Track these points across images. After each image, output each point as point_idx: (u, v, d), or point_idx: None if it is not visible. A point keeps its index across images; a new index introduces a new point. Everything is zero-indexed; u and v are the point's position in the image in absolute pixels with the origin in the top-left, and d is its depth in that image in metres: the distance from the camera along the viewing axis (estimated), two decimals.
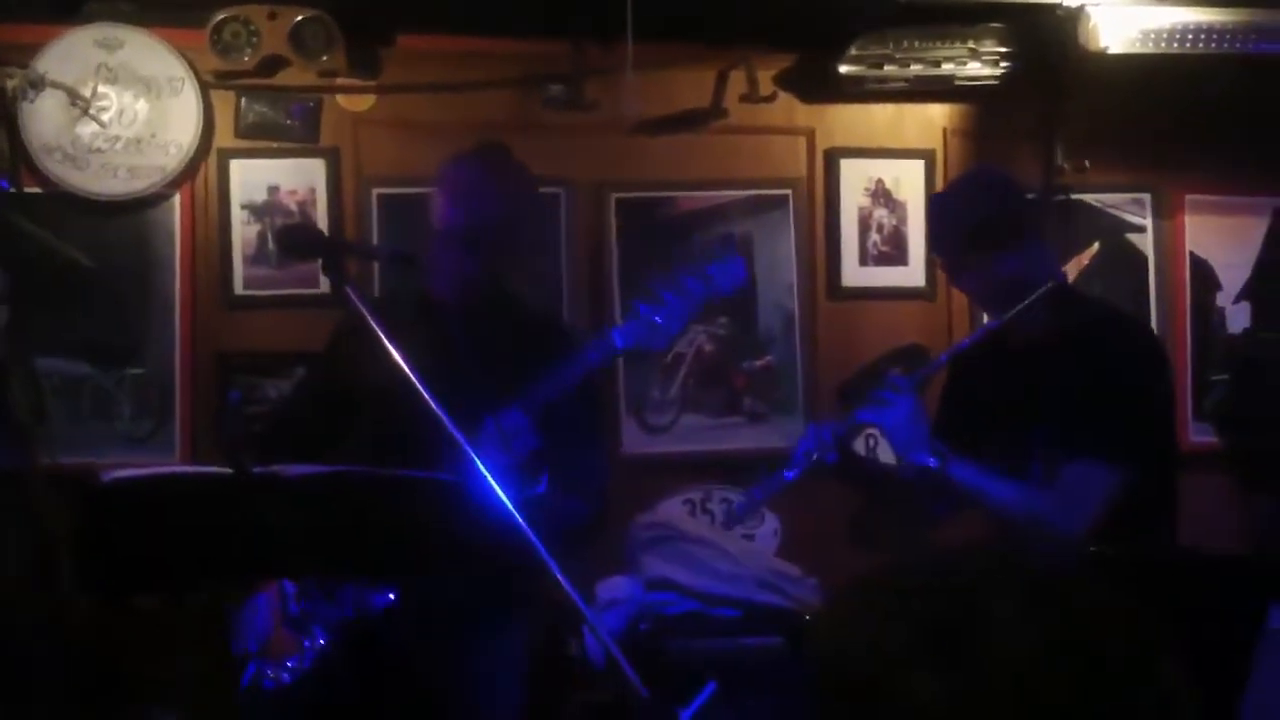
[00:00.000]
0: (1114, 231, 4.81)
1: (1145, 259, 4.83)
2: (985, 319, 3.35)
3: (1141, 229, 4.83)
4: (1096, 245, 4.78)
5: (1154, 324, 4.73)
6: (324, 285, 4.08)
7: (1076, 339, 2.97)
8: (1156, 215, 4.83)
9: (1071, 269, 4.64)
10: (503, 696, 3.02)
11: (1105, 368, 2.91)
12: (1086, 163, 4.65)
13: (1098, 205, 4.80)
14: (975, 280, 3.04)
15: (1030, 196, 3.24)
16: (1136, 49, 4.27)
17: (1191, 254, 4.85)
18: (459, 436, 2.48)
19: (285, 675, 2.76)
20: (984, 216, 2.98)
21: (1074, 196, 4.71)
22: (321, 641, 2.71)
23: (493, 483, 2.43)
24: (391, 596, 2.71)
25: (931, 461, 2.90)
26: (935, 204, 3.28)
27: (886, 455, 3.44)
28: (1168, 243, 4.84)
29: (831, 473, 3.06)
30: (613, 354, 2.88)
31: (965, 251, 3.01)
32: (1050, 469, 2.92)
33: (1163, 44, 4.28)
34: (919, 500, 3.07)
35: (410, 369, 2.49)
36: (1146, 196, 4.83)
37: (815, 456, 3.00)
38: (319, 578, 2.69)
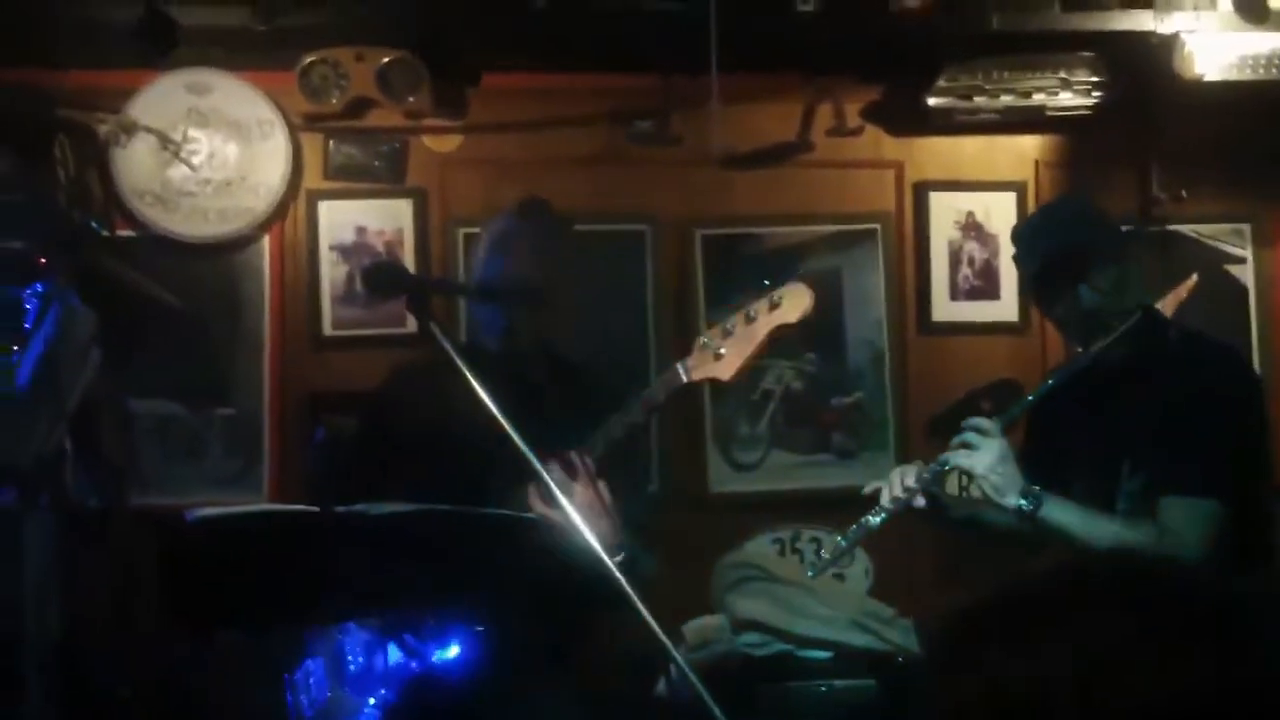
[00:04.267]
0: (1213, 263, 4.69)
1: (1246, 291, 4.71)
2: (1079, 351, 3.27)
3: (1241, 260, 4.71)
4: (1195, 277, 4.67)
5: (1256, 357, 4.59)
6: (411, 325, 4.17)
7: (1166, 368, 2.91)
8: (1257, 245, 4.71)
9: (1169, 302, 4.53)
10: None
11: (1199, 395, 2.84)
12: (1183, 192, 4.55)
13: (1195, 236, 4.69)
14: (1060, 310, 2.98)
15: (1126, 228, 3.15)
16: (1234, 76, 4.18)
17: None
18: (546, 478, 2.46)
19: None
20: (1064, 246, 2.92)
21: (1170, 227, 4.61)
22: (384, 693, 2.66)
23: (579, 523, 2.41)
24: (455, 649, 2.65)
25: (1025, 504, 2.83)
26: (1017, 234, 3.23)
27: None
28: (1269, 274, 4.72)
29: (918, 517, 3.00)
30: (678, 390, 2.81)
31: (1049, 281, 2.95)
32: (1140, 503, 2.84)
33: (1260, 70, 4.18)
34: (1011, 536, 3.01)
35: (495, 409, 2.47)
36: (1246, 226, 4.71)
37: (901, 501, 2.94)
38: (392, 621, 2.65)
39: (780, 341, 2.83)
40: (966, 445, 2.90)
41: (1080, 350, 2.99)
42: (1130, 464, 2.89)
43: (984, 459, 2.86)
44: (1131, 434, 2.90)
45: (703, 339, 2.79)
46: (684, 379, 2.78)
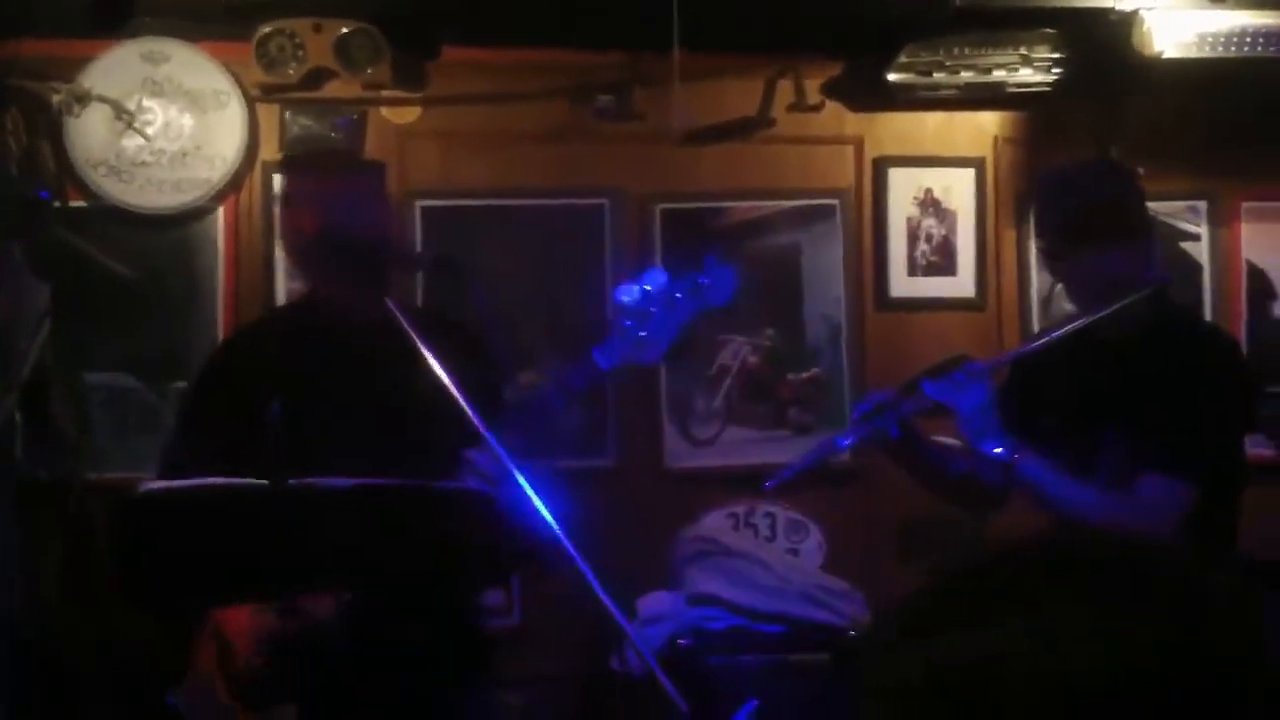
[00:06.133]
0: (1168, 240, 4.71)
1: (1200, 267, 4.74)
2: (1046, 325, 3.25)
3: (1196, 237, 4.74)
4: None
5: None
6: None
7: (1165, 345, 2.85)
8: (1212, 223, 4.74)
9: None
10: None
11: (1194, 377, 2.80)
12: (1140, 169, 4.55)
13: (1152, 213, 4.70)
14: (1079, 270, 2.89)
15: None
16: (1192, 53, 4.19)
17: (1248, 262, 4.76)
18: (500, 452, 2.44)
19: None
20: (1108, 200, 2.85)
21: None
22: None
23: (531, 494, 2.40)
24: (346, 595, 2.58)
25: (1004, 452, 2.79)
26: (1055, 182, 3.05)
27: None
28: (1223, 250, 4.75)
29: (889, 447, 2.93)
30: (598, 376, 2.70)
31: (1078, 237, 2.85)
32: (1119, 475, 2.81)
33: (1219, 48, 4.20)
34: (977, 485, 2.96)
35: (449, 379, 2.45)
36: (1202, 204, 4.74)
37: (876, 425, 2.88)
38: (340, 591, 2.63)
39: (709, 319, 2.77)
40: (954, 382, 2.85)
41: (1078, 313, 2.92)
42: (1114, 434, 2.84)
43: (970, 399, 2.80)
44: (1120, 405, 2.85)
45: (624, 323, 2.67)
46: (603, 367, 2.67)
